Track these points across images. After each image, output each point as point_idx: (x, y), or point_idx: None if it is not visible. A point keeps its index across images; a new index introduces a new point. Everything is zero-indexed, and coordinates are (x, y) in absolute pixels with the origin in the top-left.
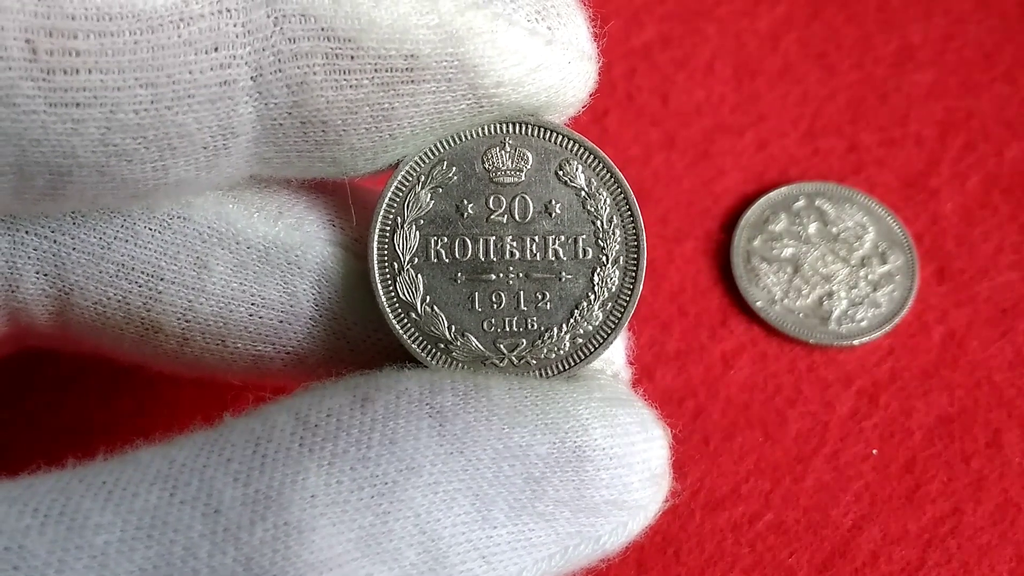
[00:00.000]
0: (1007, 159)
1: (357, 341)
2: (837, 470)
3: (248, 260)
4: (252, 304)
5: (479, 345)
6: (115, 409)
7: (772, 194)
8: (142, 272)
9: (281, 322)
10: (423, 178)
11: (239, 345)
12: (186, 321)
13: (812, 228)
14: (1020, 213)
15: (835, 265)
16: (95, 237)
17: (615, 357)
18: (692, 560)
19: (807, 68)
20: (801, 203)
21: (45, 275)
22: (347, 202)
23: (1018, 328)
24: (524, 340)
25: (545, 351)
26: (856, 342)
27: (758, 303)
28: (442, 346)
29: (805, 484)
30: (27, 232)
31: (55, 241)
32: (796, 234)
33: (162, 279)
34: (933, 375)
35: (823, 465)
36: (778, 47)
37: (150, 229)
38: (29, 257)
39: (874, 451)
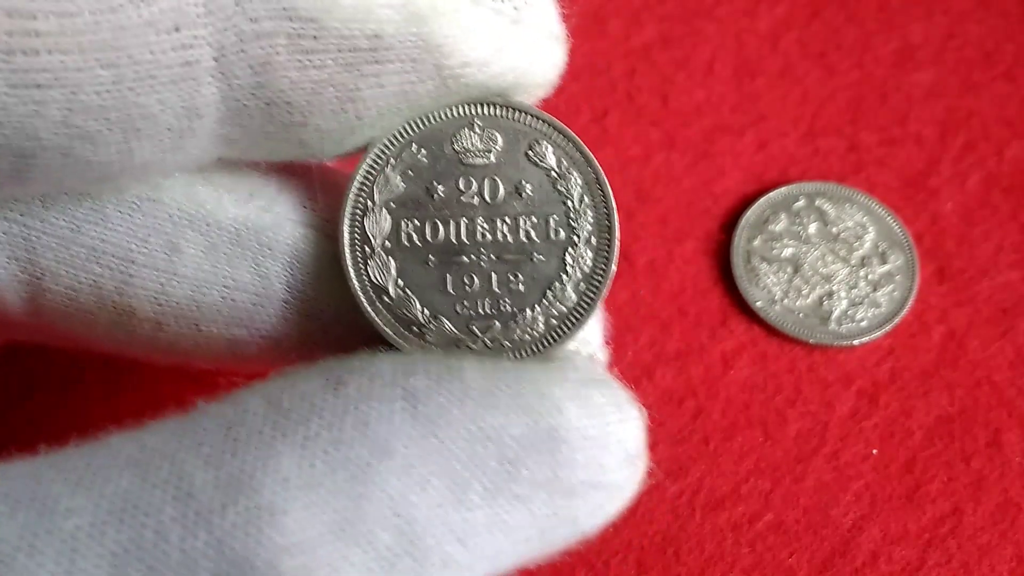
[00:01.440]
0: (1007, 159)
1: (331, 323)
2: (837, 470)
3: (219, 242)
4: (224, 287)
5: (452, 328)
6: (115, 410)
7: (772, 194)
8: (113, 255)
9: (254, 305)
10: (393, 160)
11: (213, 329)
12: (159, 305)
13: (812, 228)
14: (1020, 213)
15: (835, 265)
16: (64, 220)
17: (591, 338)
18: (692, 560)
19: (807, 68)
20: (801, 203)
21: (16, 260)
22: (313, 184)
23: (1018, 328)
24: (497, 322)
25: (519, 333)
26: (856, 342)
27: (758, 303)
28: (416, 329)
29: (805, 484)
30: None
31: (24, 225)
32: (796, 234)
33: (133, 262)
34: (933, 375)
35: (823, 465)
36: (778, 47)
37: (120, 212)
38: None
39: (874, 451)
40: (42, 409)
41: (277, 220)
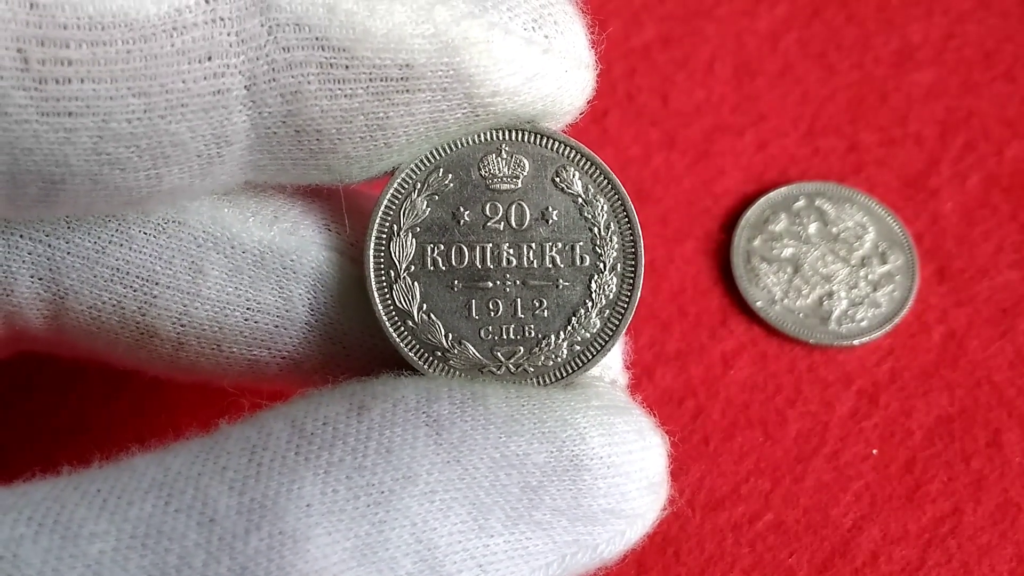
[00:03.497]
0: (1007, 159)
1: (353, 346)
2: (837, 470)
3: (243, 265)
4: (247, 309)
5: (476, 353)
6: (115, 410)
7: (772, 194)
8: (137, 276)
9: (276, 327)
10: (419, 185)
11: (235, 350)
12: (181, 326)
13: (812, 228)
14: (1020, 213)
15: (835, 265)
16: (90, 241)
17: (612, 362)
18: (692, 560)
19: (807, 68)
20: (801, 203)
21: (40, 279)
22: (339, 207)
23: (1018, 328)
24: (522, 348)
25: (543, 359)
26: (856, 342)
27: (758, 303)
28: (439, 354)
29: (805, 484)
30: (22, 236)
31: (50, 245)
32: (796, 234)
33: (157, 283)
34: (933, 375)
35: (823, 465)
36: (778, 47)
37: (145, 233)
38: (24, 261)
39: (874, 451)
40: (42, 409)
41: (301, 243)
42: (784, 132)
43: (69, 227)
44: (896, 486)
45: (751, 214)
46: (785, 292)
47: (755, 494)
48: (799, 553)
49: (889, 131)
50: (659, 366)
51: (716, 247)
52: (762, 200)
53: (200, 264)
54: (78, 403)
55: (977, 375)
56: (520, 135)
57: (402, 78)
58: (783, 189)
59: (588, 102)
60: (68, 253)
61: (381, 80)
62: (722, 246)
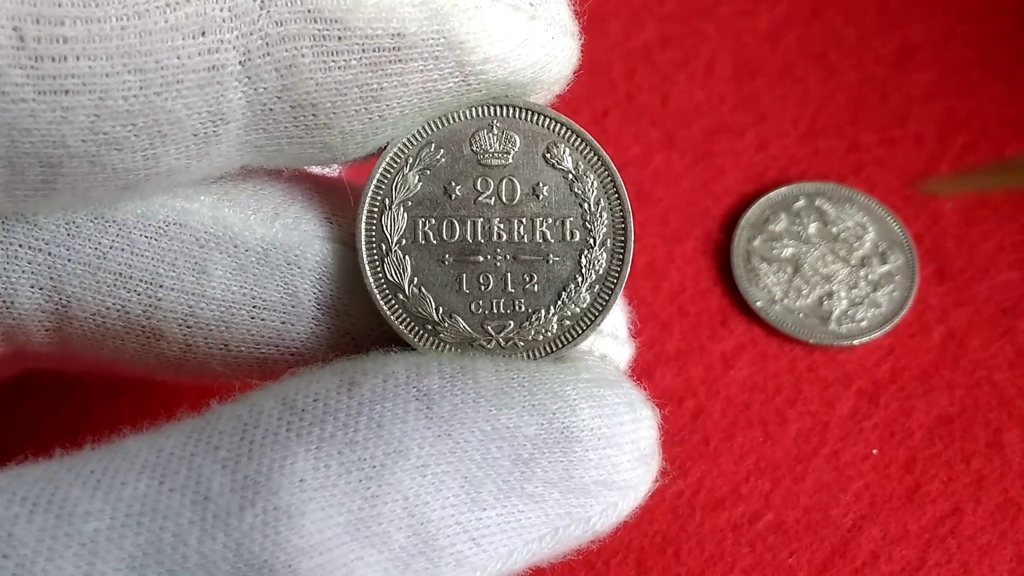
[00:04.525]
0: (1007, 159)
1: (361, 336)
2: (837, 470)
3: (247, 263)
4: (253, 307)
5: (467, 327)
6: (115, 410)
7: (772, 194)
8: (140, 280)
9: (284, 323)
10: (411, 160)
11: (242, 348)
12: (187, 327)
13: (812, 228)
14: (1020, 213)
15: (835, 265)
16: (91, 247)
17: (618, 331)
18: (692, 560)
19: (807, 68)
20: (801, 203)
21: (41, 289)
22: (346, 197)
23: (1018, 328)
24: (512, 322)
25: (533, 333)
26: (856, 342)
27: (758, 303)
28: (430, 327)
29: (805, 484)
30: (20, 245)
31: (50, 253)
32: (796, 234)
33: (161, 286)
34: (933, 375)
35: (823, 465)
36: (778, 47)
37: (146, 237)
38: (24, 271)
39: (874, 451)
40: (42, 409)
41: (304, 237)
42: (784, 132)
43: (69, 234)
44: (896, 486)
45: (751, 214)
46: (785, 292)
47: (755, 494)
48: (799, 553)
49: (889, 131)
50: (659, 366)
51: (716, 247)
52: (762, 200)
53: (204, 264)
54: (78, 403)
55: (977, 375)
56: (511, 111)
57: (394, 47)
58: (783, 189)
59: (574, 73)
60: (69, 260)
61: (374, 50)
62: (722, 246)
